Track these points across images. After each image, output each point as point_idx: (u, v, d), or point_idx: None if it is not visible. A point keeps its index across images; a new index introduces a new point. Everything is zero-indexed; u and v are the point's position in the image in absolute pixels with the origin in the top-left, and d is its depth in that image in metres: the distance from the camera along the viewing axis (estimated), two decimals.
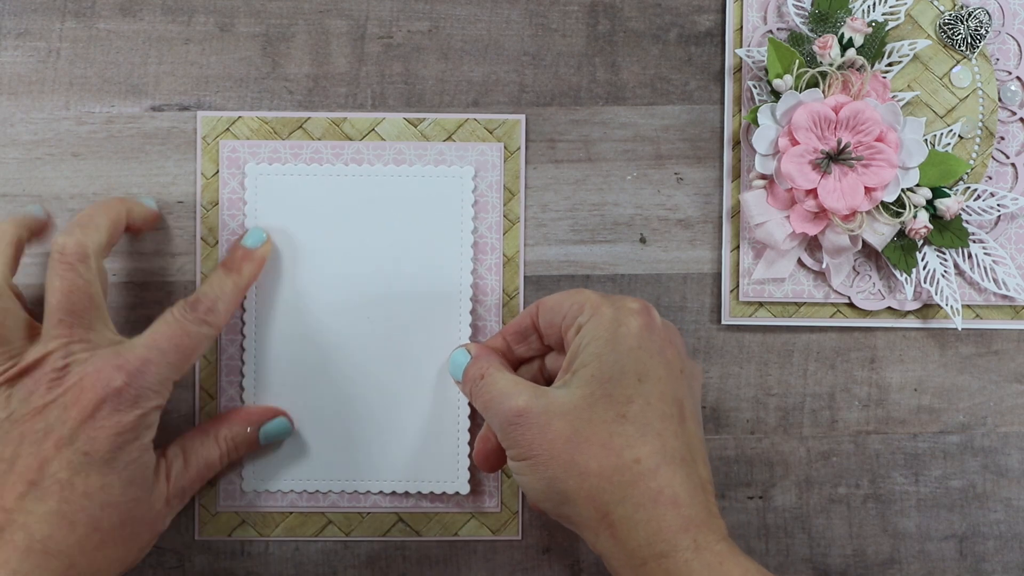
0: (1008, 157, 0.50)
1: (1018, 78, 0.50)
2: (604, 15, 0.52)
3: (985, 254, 0.50)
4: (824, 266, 0.50)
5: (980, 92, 0.50)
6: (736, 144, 0.51)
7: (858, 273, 0.50)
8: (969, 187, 0.50)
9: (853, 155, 0.47)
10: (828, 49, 0.48)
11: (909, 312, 0.51)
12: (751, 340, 0.51)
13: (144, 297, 0.51)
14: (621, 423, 0.41)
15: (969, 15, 0.49)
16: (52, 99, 0.51)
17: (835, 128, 0.48)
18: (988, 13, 0.49)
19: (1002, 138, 0.50)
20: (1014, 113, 0.50)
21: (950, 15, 0.50)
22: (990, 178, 0.50)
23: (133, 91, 0.51)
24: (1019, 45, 0.50)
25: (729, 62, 0.51)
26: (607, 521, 0.41)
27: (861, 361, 0.51)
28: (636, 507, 0.41)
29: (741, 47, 0.51)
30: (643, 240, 0.51)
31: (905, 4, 0.49)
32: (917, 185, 0.48)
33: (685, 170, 0.52)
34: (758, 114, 0.49)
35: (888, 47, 0.49)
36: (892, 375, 0.51)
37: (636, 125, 0.52)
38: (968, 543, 0.51)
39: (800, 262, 0.50)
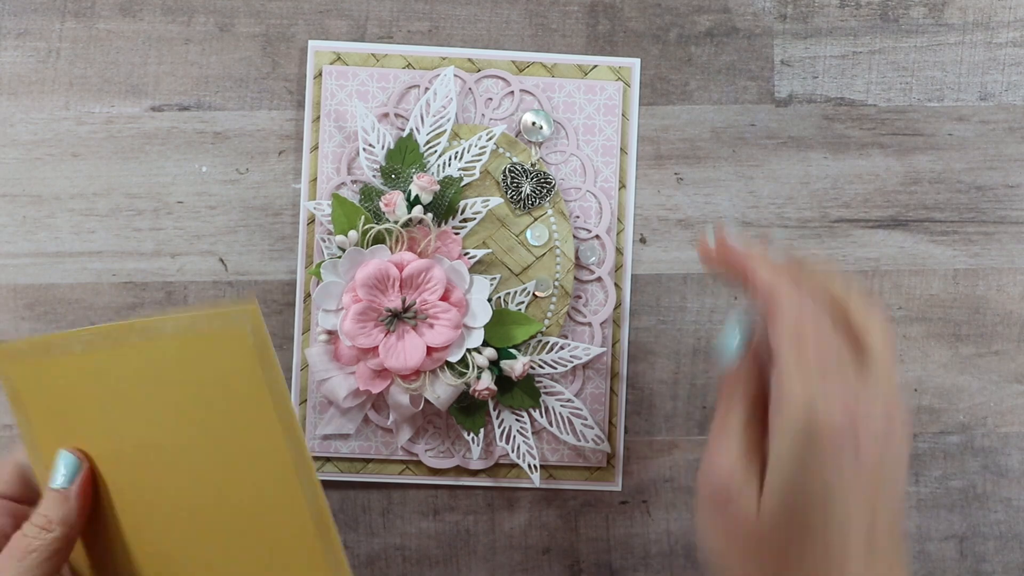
0: (585, 316, 0.50)
1: (597, 236, 0.50)
2: (604, 15, 0.52)
3: (562, 406, 0.49)
4: (391, 423, 0.49)
5: (558, 251, 0.49)
6: (307, 297, 0.50)
7: (428, 431, 0.50)
8: (541, 340, 0.49)
9: (417, 315, 0.47)
10: (393, 207, 0.47)
11: (480, 471, 0.50)
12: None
13: (144, 297, 0.51)
14: (796, 554, 0.36)
15: (533, 174, 0.49)
16: (52, 99, 0.51)
17: (401, 286, 0.47)
18: (549, 177, 0.49)
19: (579, 296, 0.50)
20: (593, 271, 0.50)
21: (513, 168, 0.49)
22: (565, 336, 0.50)
23: (133, 91, 0.51)
24: (600, 204, 0.50)
25: (303, 215, 0.50)
26: None
27: None
28: None
29: (315, 199, 0.49)
30: (643, 240, 0.51)
31: (481, 160, 0.48)
32: (484, 345, 0.48)
33: (685, 170, 0.51)
34: (322, 269, 0.48)
35: (462, 203, 0.48)
36: None
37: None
38: (968, 543, 0.51)
39: (367, 418, 0.49)
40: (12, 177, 0.51)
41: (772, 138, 0.52)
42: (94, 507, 0.41)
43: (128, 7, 0.51)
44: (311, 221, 0.50)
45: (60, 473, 0.40)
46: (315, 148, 0.50)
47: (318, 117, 0.50)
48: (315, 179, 0.50)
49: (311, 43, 0.50)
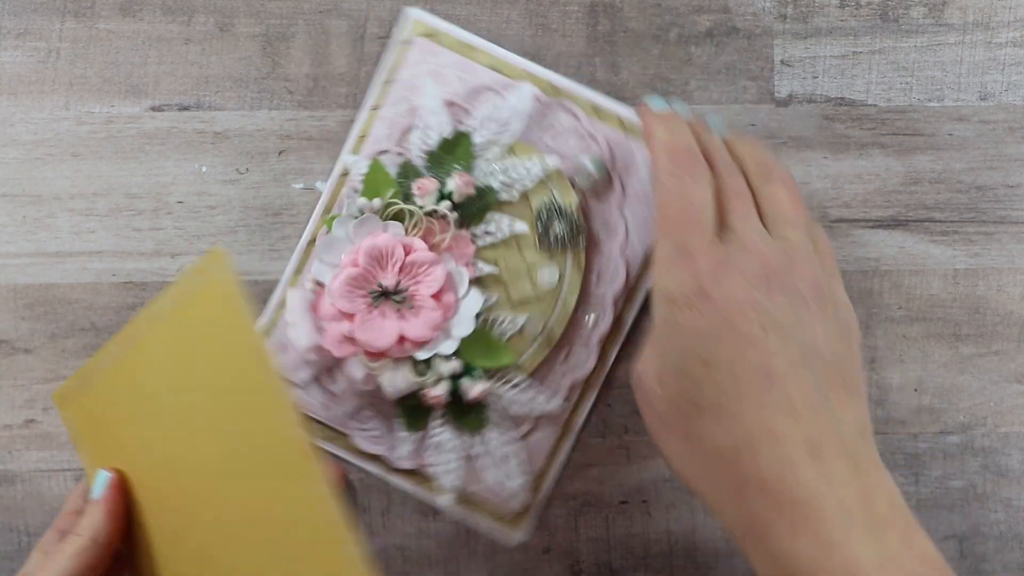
0: (559, 371, 0.48)
1: (614, 301, 0.48)
2: (604, 15, 0.52)
3: (503, 444, 0.48)
4: (340, 390, 0.48)
5: (560, 298, 0.48)
6: (311, 243, 0.49)
7: (369, 412, 0.48)
8: (508, 376, 0.47)
9: (403, 300, 0.46)
10: (425, 193, 0.47)
11: (399, 471, 0.48)
12: None
13: (144, 297, 0.51)
14: (697, 413, 0.38)
15: (570, 218, 0.47)
16: (52, 99, 0.51)
17: (401, 268, 0.46)
18: (583, 228, 0.47)
19: (563, 348, 0.48)
20: (584, 332, 0.48)
21: (552, 205, 0.47)
22: (533, 380, 0.48)
23: (133, 91, 0.51)
24: (619, 270, 0.48)
25: (339, 167, 0.49)
26: (705, 501, 0.39)
27: (861, 361, 0.51)
28: (722, 495, 0.38)
29: (358, 154, 0.48)
30: None
31: (524, 184, 0.47)
32: (454, 355, 0.47)
33: None
34: (335, 223, 0.47)
35: (489, 215, 0.47)
36: (892, 375, 0.51)
37: (636, 125, 0.52)
38: (968, 543, 0.51)
39: (318, 378, 0.48)
40: (12, 177, 0.51)
41: (772, 138, 0.52)
42: (133, 523, 0.42)
43: (128, 7, 0.51)
44: (345, 173, 0.49)
45: (92, 488, 0.42)
46: (376, 108, 0.49)
47: (391, 80, 0.49)
48: (365, 136, 0.49)
49: (410, 9, 0.49)
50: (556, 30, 0.52)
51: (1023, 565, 0.51)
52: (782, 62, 0.52)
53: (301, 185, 0.51)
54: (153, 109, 0.51)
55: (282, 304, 0.48)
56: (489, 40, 0.49)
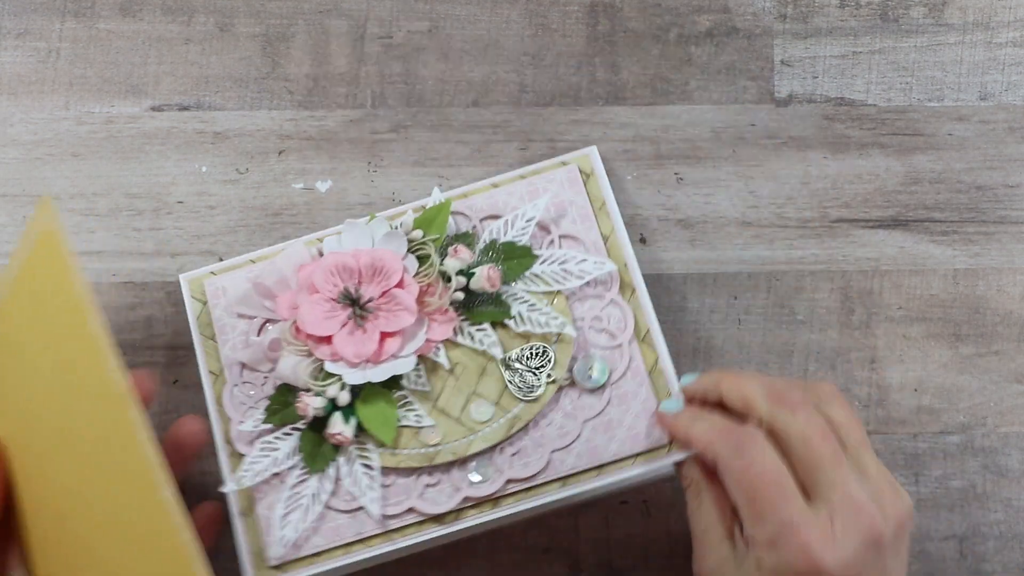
0: (410, 499, 0.46)
1: (505, 476, 0.46)
2: (604, 15, 0.52)
3: (312, 497, 0.46)
4: (255, 343, 0.47)
5: (473, 436, 0.46)
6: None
7: (253, 383, 0.47)
8: (371, 453, 0.46)
9: (359, 316, 0.46)
10: (454, 258, 0.47)
11: (230, 444, 0.47)
12: (751, 340, 0.51)
13: (144, 297, 0.51)
14: None
15: (538, 378, 0.47)
16: (52, 99, 0.51)
17: (383, 293, 0.46)
18: (540, 397, 0.46)
19: (435, 473, 0.46)
20: (460, 489, 0.46)
21: (537, 357, 0.47)
22: (390, 473, 0.46)
23: (133, 91, 0.51)
24: (541, 462, 0.46)
25: (426, 197, 0.49)
26: None
27: (861, 361, 0.51)
28: None
29: (453, 196, 0.48)
30: (643, 240, 0.51)
31: (533, 327, 0.47)
32: (351, 391, 0.46)
33: (685, 170, 0.52)
34: (375, 219, 0.47)
35: (485, 325, 0.47)
36: (892, 375, 0.51)
37: (636, 125, 0.52)
38: (968, 543, 0.51)
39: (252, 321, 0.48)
40: (12, 177, 0.51)
41: (772, 138, 0.52)
42: (16, 491, 0.42)
43: (128, 7, 0.51)
44: (422, 207, 0.48)
45: None
46: (496, 185, 0.49)
47: (525, 177, 0.49)
48: (466, 196, 0.48)
49: (593, 147, 0.49)
50: (556, 30, 0.52)
51: (1023, 565, 0.51)
52: (782, 62, 0.52)
53: (301, 185, 0.51)
54: (153, 109, 0.51)
55: (284, 249, 0.48)
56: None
